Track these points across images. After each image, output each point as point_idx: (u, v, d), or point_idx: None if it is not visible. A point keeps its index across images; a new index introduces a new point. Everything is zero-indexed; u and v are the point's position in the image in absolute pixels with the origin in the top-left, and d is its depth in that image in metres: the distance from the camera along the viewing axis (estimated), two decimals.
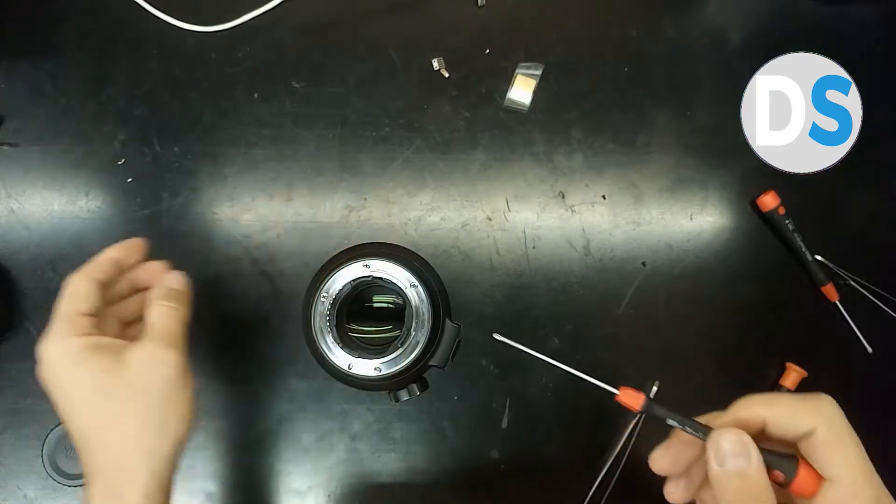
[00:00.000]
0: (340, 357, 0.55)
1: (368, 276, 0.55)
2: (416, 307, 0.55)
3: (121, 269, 0.49)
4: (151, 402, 0.44)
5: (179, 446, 0.45)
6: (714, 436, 0.34)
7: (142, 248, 0.51)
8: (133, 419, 0.44)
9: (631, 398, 0.36)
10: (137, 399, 0.44)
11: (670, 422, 0.35)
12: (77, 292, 0.46)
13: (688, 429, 0.35)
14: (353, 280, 0.55)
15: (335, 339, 0.55)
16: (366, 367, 0.55)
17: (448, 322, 0.57)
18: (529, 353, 0.40)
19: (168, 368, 0.45)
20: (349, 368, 0.55)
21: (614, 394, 0.37)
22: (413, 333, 0.55)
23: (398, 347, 0.55)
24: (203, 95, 0.64)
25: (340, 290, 0.55)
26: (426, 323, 0.55)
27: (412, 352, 0.55)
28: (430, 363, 0.57)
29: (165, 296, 0.48)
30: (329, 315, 0.55)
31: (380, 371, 0.55)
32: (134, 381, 0.44)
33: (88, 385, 0.43)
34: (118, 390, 0.44)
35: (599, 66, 0.65)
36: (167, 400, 0.45)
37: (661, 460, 0.38)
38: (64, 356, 0.44)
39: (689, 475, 0.38)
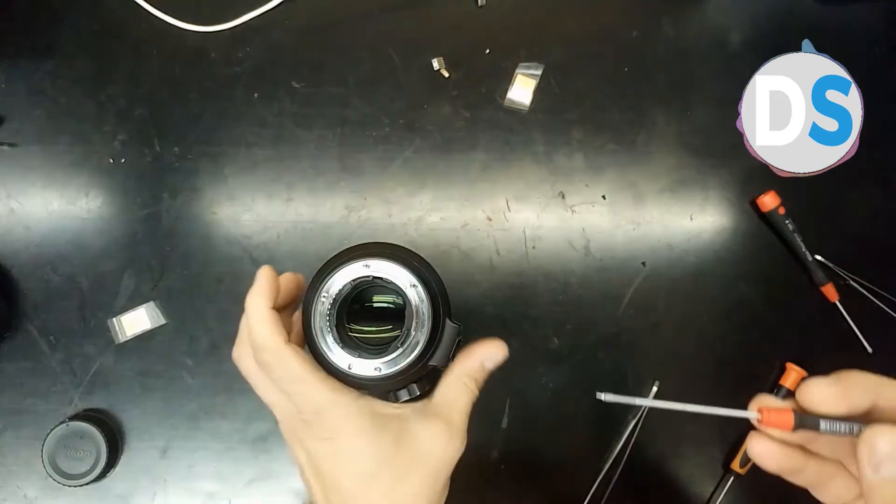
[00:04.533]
0: (340, 357, 0.55)
1: (368, 276, 0.55)
2: (416, 307, 0.55)
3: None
4: (426, 482, 0.40)
5: None
6: (867, 436, 0.27)
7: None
8: (405, 495, 0.40)
9: (779, 418, 0.29)
10: (415, 474, 0.40)
11: (824, 428, 0.29)
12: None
13: (840, 429, 0.29)
14: (353, 280, 0.55)
15: (335, 339, 0.54)
16: (366, 367, 0.54)
17: (448, 322, 0.57)
18: (641, 403, 0.33)
19: (451, 457, 0.41)
20: (349, 368, 0.54)
21: (752, 419, 0.30)
22: (413, 333, 0.55)
23: (398, 347, 0.54)
24: (203, 95, 0.64)
25: (340, 290, 0.54)
26: (426, 323, 0.55)
27: (412, 352, 0.54)
28: (431, 363, 0.57)
29: (475, 373, 0.43)
30: (329, 315, 0.54)
31: (380, 371, 0.55)
32: (418, 456, 0.41)
33: (371, 453, 0.40)
34: (399, 460, 0.40)
35: (600, 66, 0.65)
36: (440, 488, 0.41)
37: (769, 458, 0.31)
38: (358, 417, 0.41)
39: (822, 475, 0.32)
